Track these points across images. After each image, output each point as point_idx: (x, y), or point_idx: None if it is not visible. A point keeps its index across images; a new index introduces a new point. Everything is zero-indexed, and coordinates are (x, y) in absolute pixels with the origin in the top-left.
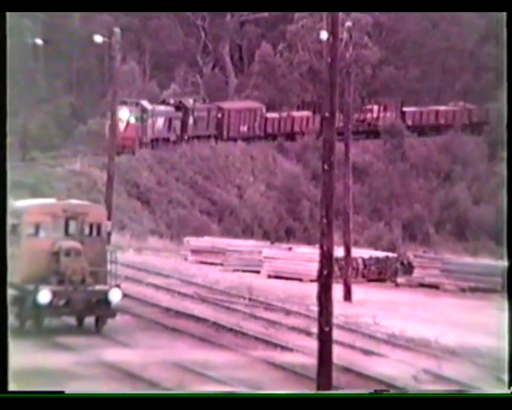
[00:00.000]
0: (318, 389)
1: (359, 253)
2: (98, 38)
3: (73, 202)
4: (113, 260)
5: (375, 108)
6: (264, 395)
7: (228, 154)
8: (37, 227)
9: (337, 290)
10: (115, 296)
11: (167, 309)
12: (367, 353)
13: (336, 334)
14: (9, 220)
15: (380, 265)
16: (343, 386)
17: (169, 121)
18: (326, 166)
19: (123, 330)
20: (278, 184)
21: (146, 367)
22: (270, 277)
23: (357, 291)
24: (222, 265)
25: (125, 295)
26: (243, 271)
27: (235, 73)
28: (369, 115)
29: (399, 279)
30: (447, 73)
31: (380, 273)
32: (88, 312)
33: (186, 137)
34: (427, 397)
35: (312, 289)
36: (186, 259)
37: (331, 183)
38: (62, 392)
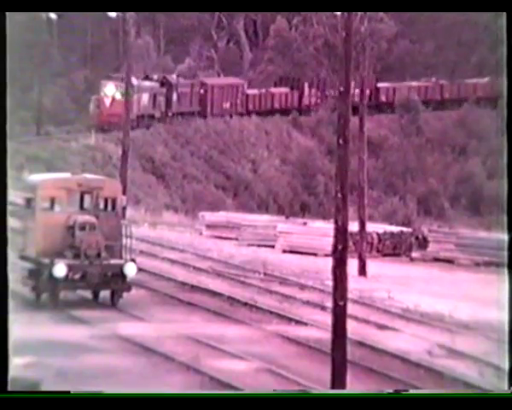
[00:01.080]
0: (333, 363)
1: (374, 227)
2: (112, 13)
3: (88, 176)
4: (128, 235)
5: (351, 84)
6: (264, 395)
7: (242, 128)
8: (52, 201)
9: (352, 265)
10: (131, 270)
11: (182, 283)
12: (381, 327)
13: (351, 308)
14: (24, 194)
15: (394, 239)
16: (357, 360)
17: (154, 97)
18: (341, 141)
19: (138, 304)
20: (293, 159)
21: (161, 341)
22: (284, 251)
23: (372, 266)
24: (237, 239)
25: (140, 270)
26: (258, 245)
27: (249, 48)
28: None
29: (414, 254)
30: (463, 47)
31: (394, 248)
32: (103, 285)
33: (170, 114)
34: (428, 397)
35: (327, 263)
36: (201, 233)
37: (346, 157)
38: (62, 392)
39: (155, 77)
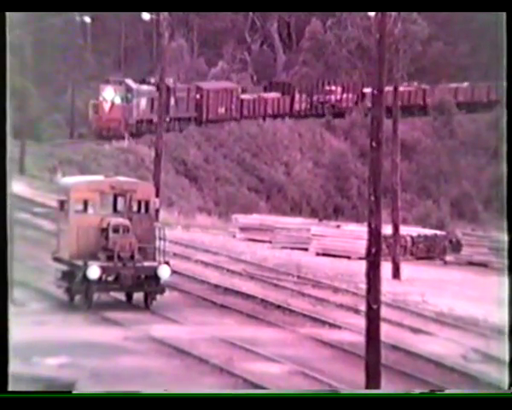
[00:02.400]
0: (367, 366)
1: (407, 230)
2: (146, 15)
3: (121, 179)
4: (162, 237)
5: (338, 89)
6: (264, 395)
7: (275, 131)
8: (85, 204)
9: (385, 268)
10: (164, 273)
11: (216, 286)
12: (415, 331)
13: (384, 312)
14: (57, 197)
15: (428, 243)
16: (391, 364)
17: (151, 102)
18: (374, 144)
19: (171, 307)
20: (326, 162)
21: (194, 343)
22: (318, 254)
23: (406, 269)
24: (270, 242)
25: (173, 272)
26: (291, 248)
27: (283, 50)
28: (328, 97)
29: (448, 257)
30: (496, 48)
31: (428, 251)
32: (137, 288)
33: (168, 119)
34: (428, 397)
35: (361, 266)
36: (234, 236)
37: (379, 160)
38: (62, 392)
39: (152, 80)
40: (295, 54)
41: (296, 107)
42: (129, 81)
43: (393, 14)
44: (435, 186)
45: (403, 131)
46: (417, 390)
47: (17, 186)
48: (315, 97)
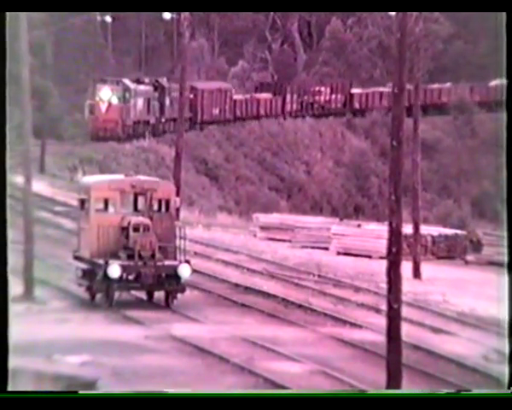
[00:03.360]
0: (388, 366)
1: (428, 230)
2: (167, 15)
3: (142, 177)
4: (182, 236)
5: (326, 90)
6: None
7: (296, 130)
8: (106, 203)
9: (406, 268)
10: (185, 272)
11: (236, 285)
12: (436, 331)
13: (405, 311)
14: (78, 196)
15: (449, 242)
16: (413, 364)
17: (148, 102)
18: (394, 143)
19: (192, 306)
20: (346, 161)
21: (215, 342)
22: (339, 253)
23: (427, 268)
24: (290, 241)
25: (194, 271)
26: (312, 247)
27: (303, 49)
28: (317, 98)
29: (469, 257)
30: None
31: (449, 251)
32: (158, 286)
33: (163, 120)
34: (428, 397)
35: (381, 266)
36: (255, 235)
37: (400, 159)
38: (62, 392)
39: (146, 80)
40: (316, 53)
41: (287, 107)
42: (126, 81)
43: (414, 13)
44: (456, 185)
45: (423, 130)
46: (421, 390)
47: (38, 185)
48: (304, 98)
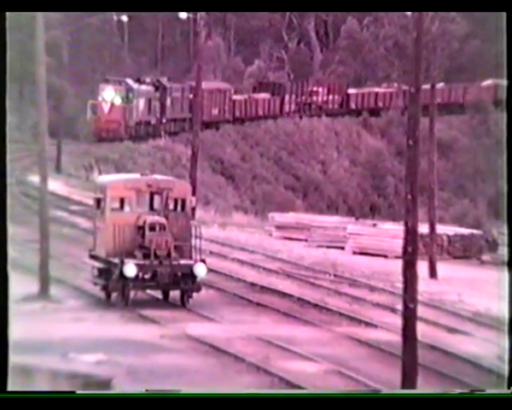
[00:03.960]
0: (404, 366)
1: (444, 229)
2: (183, 14)
3: (158, 177)
4: (198, 235)
5: (321, 90)
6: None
7: (312, 129)
8: (122, 202)
9: (422, 267)
10: (201, 271)
11: (252, 284)
12: (452, 330)
13: (421, 311)
14: (94, 195)
15: (465, 242)
16: (428, 364)
17: (149, 102)
18: (411, 142)
19: (208, 305)
20: (362, 160)
21: (231, 342)
22: (354, 253)
23: (442, 268)
24: (306, 241)
25: (209, 270)
26: (328, 247)
27: (320, 49)
28: (315, 98)
29: (484, 257)
30: None
31: (465, 250)
32: (173, 286)
33: (164, 121)
34: (428, 397)
35: (397, 265)
36: (271, 234)
37: (416, 158)
38: (62, 392)
39: (147, 80)
40: (332, 52)
41: (286, 108)
42: (129, 81)
43: (431, 12)
44: (472, 185)
45: (439, 130)
46: (421, 390)
47: (54, 184)
48: (301, 98)
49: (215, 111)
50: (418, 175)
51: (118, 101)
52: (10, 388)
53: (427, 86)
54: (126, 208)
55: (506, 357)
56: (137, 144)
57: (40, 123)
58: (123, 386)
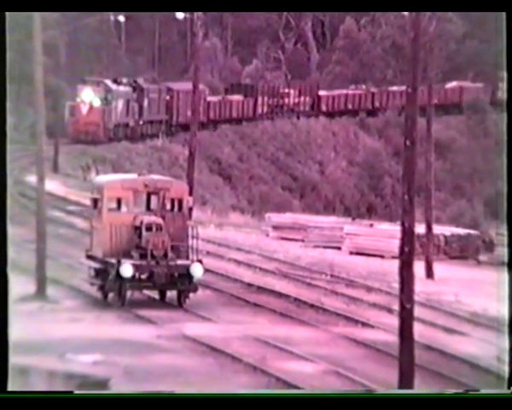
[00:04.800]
0: (401, 366)
1: (441, 230)
2: (180, 15)
3: (155, 177)
4: (195, 236)
5: (292, 92)
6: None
7: (309, 130)
8: (119, 202)
9: (419, 267)
10: (197, 271)
11: (249, 285)
12: (449, 331)
13: (418, 311)
14: (91, 195)
15: (461, 242)
16: (425, 364)
17: (127, 104)
18: (408, 142)
19: (204, 305)
20: (360, 161)
21: (228, 342)
22: (351, 253)
23: (439, 268)
24: (303, 241)
25: (206, 270)
26: (324, 247)
27: (317, 49)
28: (286, 100)
29: (481, 257)
30: None
31: (462, 251)
32: (170, 286)
33: (141, 123)
34: (427, 397)
35: (394, 265)
36: (267, 235)
37: (413, 159)
38: (62, 392)
39: (124, 81)
40: (329, 52)
41: (259, 110)
42: (108, 82)
43: (428, 12)
44: (469, 185)
45: (437, 130)
46: (421, 390)
47: (51, 185)
48: (272, 100)
49: (190, 113)
50: (415, 175)
51: (97, 102)
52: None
53: (394, 88)
54: (123, 209)
55: (505, 357)
56: (135, 144)
57: (37, 123)
58: (120, 386)
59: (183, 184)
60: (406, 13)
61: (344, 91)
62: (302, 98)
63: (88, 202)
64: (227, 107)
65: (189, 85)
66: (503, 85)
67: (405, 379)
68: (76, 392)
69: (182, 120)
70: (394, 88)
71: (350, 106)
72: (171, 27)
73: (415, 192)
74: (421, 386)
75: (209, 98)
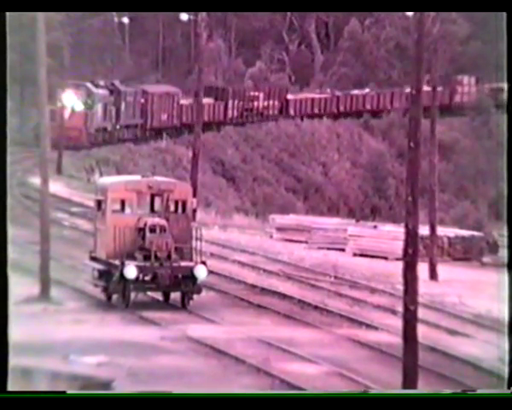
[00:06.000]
0: (405, 368)
1: (445, 231)
2: (184, 16)
3: (158, 178)
4: (199, 237)
5: (261, 95)
6: (264, 395)
7: (313, 131)
8: (123, 203)
9: (422, 269)
10: (201, 273)
11: (252, 286)
12: (452, 332)
13: (421, 313)
14: (95, 196)
15: (465, 244)
16: (429, 366)
17: (105, 107)
18: (412, 144)
19: (208, 307)
20: (364, 162)
21: (231, 343)
22: (355, 255)
23: (443, 270)
24: (307, 242)
25: (210, 272)
26: (328, 249)
27: (321, 50)
28: (255, 103)
29: (485, 259)
30: None
31: (465, 252)
32: (174, 287)
33: (118, 127)
34: (428, 397)
35: (398, 267)
36: (271, 236)
37: (417, 160)
38: (61, 392)
39: (101, 83)
40: (333, 54)
41: (229, 113)
42: (89, 85)
43: (432, 13)
44: (473, 187)
45: (440, 132)
46: (421, 390)
47: (55, 186)
48: (241, 104)
49: (164, 116)
50: (419, 177)
51: (79, 106)
52: (10, 389)
53: (355, 92)
54: (127, 210)
55: (506, 358)
56: (139, 146)
57: (41, 125)
58: (124, 388)
59: (186, 186)
60: (410, 14)
61: (310, 95)
62: (271, 102)
63: (91, 204)
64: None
65: (163, 88)
66: (504, 86)
67: (409, 381)
68: (76, 392)
69: (156, 124)
70: (355, 91)
71: (316, 110)
72: (174, 29)
73: (418, 194)
74: (425, 388)
75: (181, 101)
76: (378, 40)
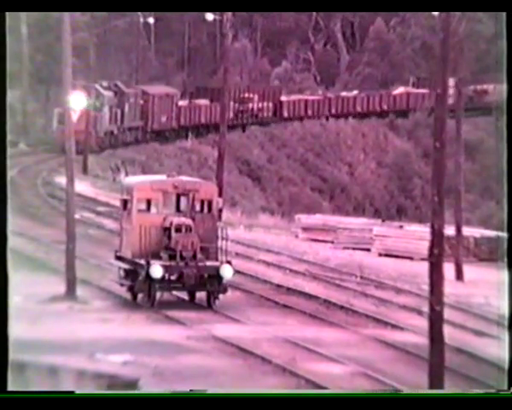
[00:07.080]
0: (431, 369)
1: (470, 231)
2: (209, 16)
3: (184, 178)
4: (224, 237)
5: (256, 97)
6: (264, 395)
7: (339, 131)
8: (148, 203)
9: (448, 269)
10: (227, 272)
11: (278, 286)
12: (479, 333)
13: (447, 313)
14: (121, 196)
15: (491, 244)
16: (455, 367)
17: (111, 110)
18: (437, 144)
19: (234, 306)
20: (389, 162)
21: (257, 343)
22: (380, 255)
23: (469, 271)
24: (332, 242)
25: (236, 272)
26: (354, 248)
27: (346, 50)
28: (250, 105)
29: None
30: None
31: (491, 253)
32: (199, 287)
33: (122, 130)
34: (428, 397)
35: (423, 267)
36: (297, 236)
37: (442, 160)
38: (62, 392)
39: (104, 84)
40: (359, 53)
41: (226, 115)
42: (98, 86)
43: (458, 13)
44: (499, 187)
45: (466, 131)
46: (421, 390)
47: (80, 186)
48: (235, 106)
49: (163, 118)
50: (445, 177)
51: (89, 108)
52: (36, 388)
53: (349, 94)
54: (153, 210)
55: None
56: (164, 146)
57: (66, 125)
58: (149, 387)
59: (212, 186)
60: (436, 13)
61: (304, 97)
62: (265, 103)
63: (117, 203)
64: (196, 112)
65: (163, 89)
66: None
67: (435, 381)
68: (77, 392)
69: (156, 126)
70: (344, 93)
71: (310, 112)
72: (200, 29)
73: (444, 194)
74: (451, 388)
75: (180, 102)
76: (404, 40)
